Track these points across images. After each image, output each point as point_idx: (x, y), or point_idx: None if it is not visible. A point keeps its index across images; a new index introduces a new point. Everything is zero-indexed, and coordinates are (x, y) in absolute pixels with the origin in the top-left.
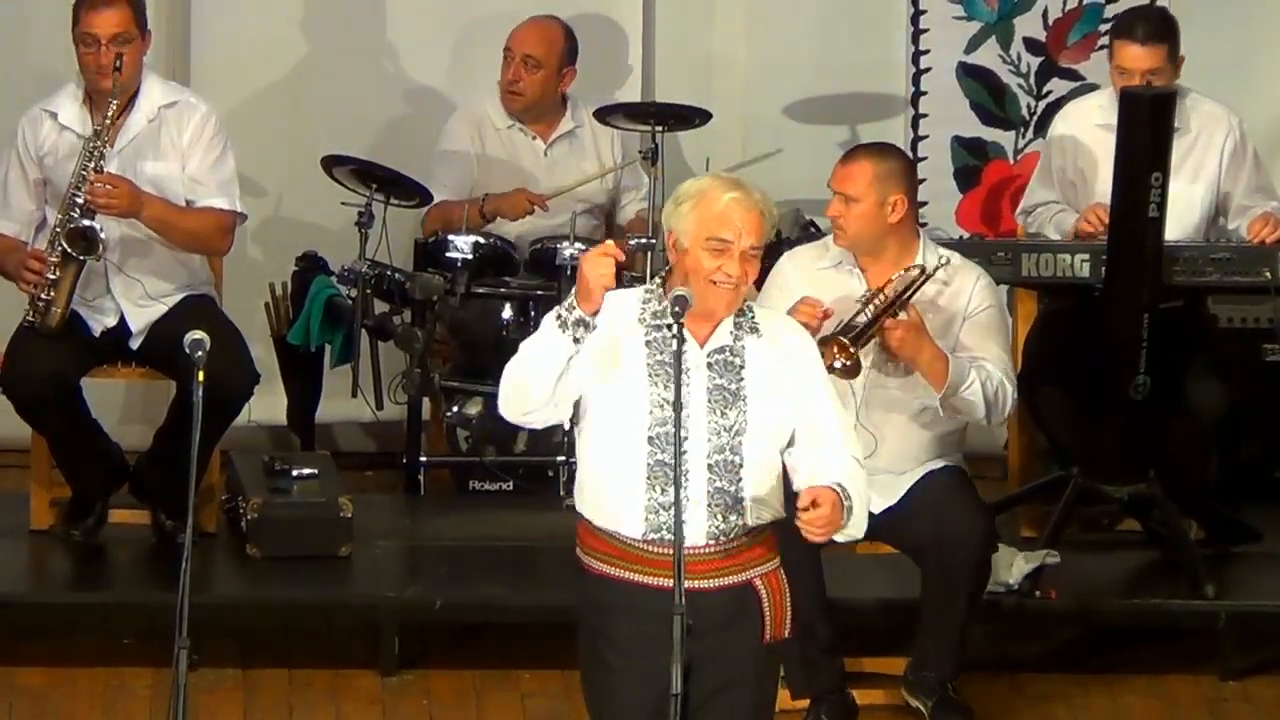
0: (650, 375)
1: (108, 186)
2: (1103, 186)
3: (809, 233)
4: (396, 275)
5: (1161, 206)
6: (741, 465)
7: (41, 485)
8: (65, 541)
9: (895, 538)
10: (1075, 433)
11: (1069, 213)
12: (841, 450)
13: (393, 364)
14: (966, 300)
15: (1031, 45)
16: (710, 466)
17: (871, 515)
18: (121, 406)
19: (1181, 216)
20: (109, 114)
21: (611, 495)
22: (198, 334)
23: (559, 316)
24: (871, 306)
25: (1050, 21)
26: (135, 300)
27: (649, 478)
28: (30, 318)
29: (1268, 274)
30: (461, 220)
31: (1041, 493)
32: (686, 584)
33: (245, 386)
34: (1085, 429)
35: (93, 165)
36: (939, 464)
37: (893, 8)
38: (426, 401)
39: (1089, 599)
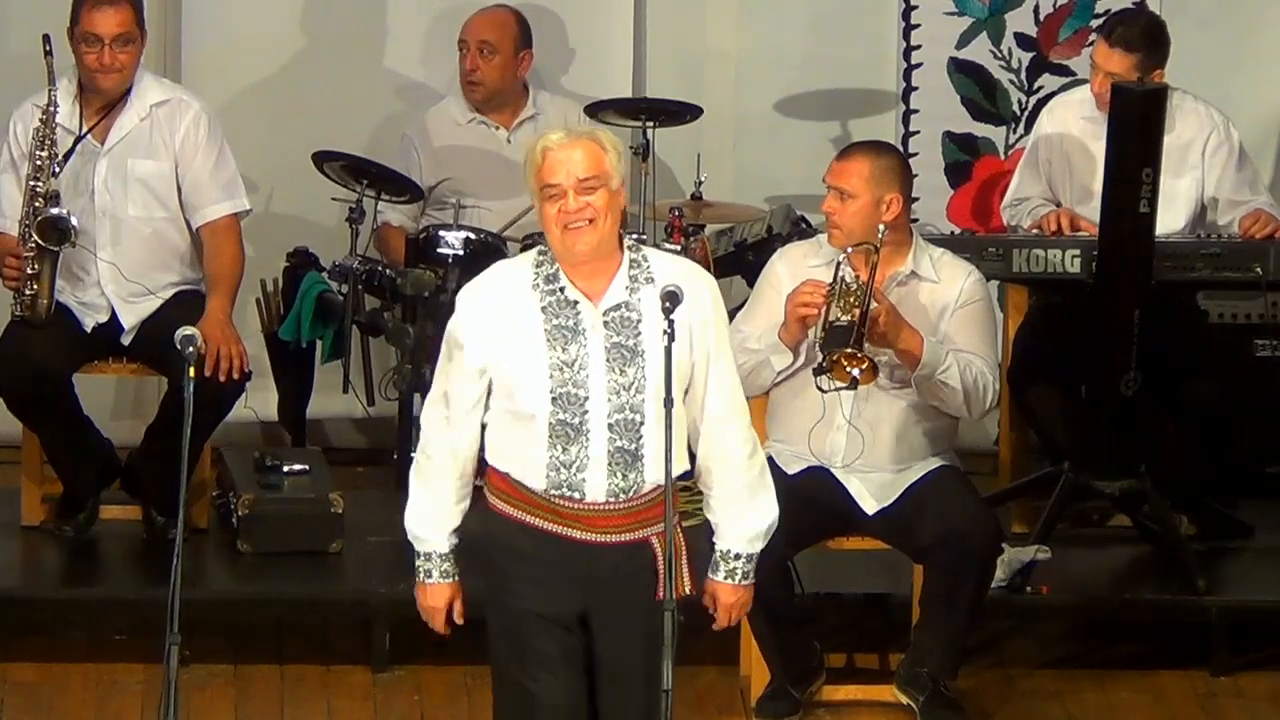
0: (549, 340)
1: (224, 360)
2: (1087, 179)
3: (800, 229)
4: (388, 271)
5: (1152, 202)
6: (642, 423)
7: (33, 481)
8: (57, 537)
9: (896, 539)
10: (1066, 428)
11: (1047, 207)
12: (735, 442)
13: (384, 360)
14: (956, 295)
15: (1023, 41)
16: (610, 426)
17: (864, 514)
18: (112, 402)
19: (1168, 213)
20: (49, 103)
21: (515, 451)
22: (189, 329)
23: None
24: (844, 301)
25: (1041, 17)
26: (126, 296)
27: (551, 436)
28: (18, 311)
29: (1258, 270)
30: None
31: (1033, 488)
32: (582, 537)
33: (236, 383)
34: (1076, 424)
35: (46, 154)
36: (935, 463)
37: (884, 3)
38: (417, 397)
39: (1080, 594)
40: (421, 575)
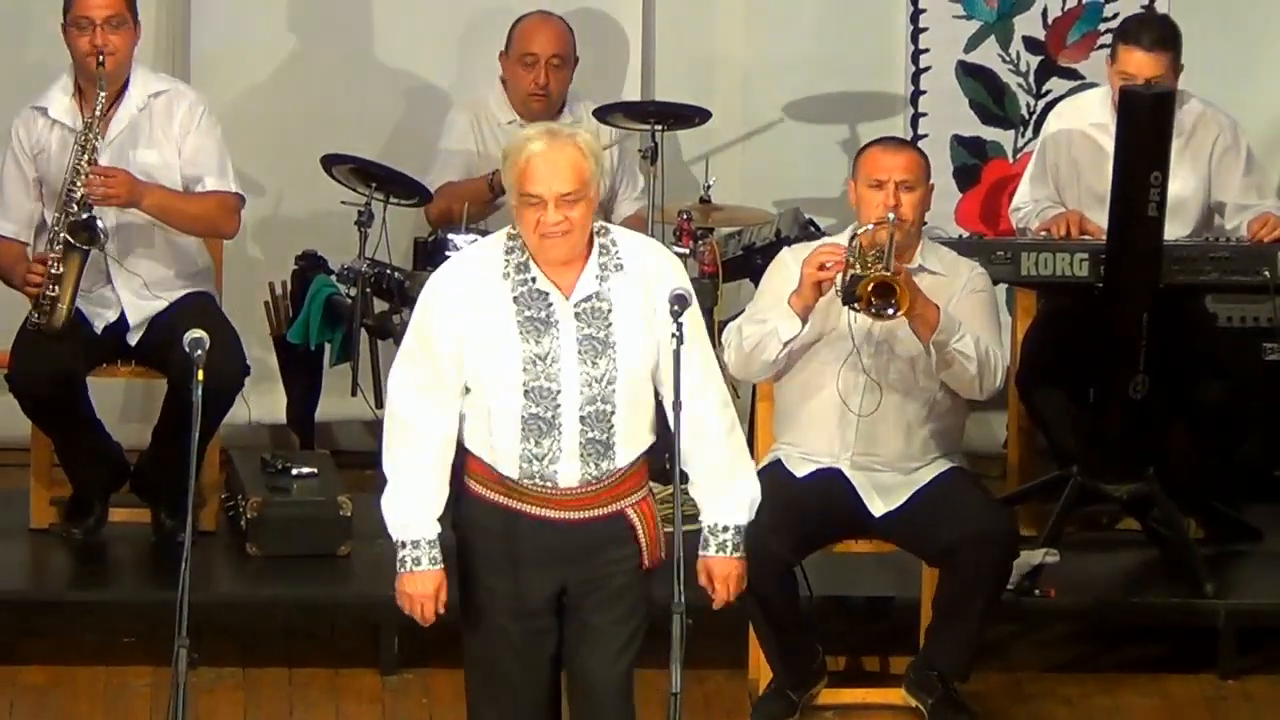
0: (521, 332)
1: (104, 178)
2: (1095, 184)
3: (808, 232)
4: (396, 274)
5: (1161, 206)
6: (614, 413)
7: (42, 483)
8: (65, 540)
9: (909, 541)
10: (1074, 431)
11: (1057, 209)
12: (712, 417)
13: (392, 362)
14: (962, 284)
15: (1031, 44)
16: (583, 418)
17: (872, 517)
18: (120, 405)
19: (1176, 216)
20: (98, 104)
21: (488, 441)
22: (197, 333)
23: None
24: (862, 261)
25: (1050, 21)
26: (135, 292)
27: (524, 430)
28: (36, 319)
29: (1267, 273)
30: (467, 195)
31: (1041, 491)
32: (557, 516)
33: (236, 379)
34: (1085, 428)
35: (86, 158)
36: (945, 465)
37: (892, 7)
38: None
39: (1088, 597)
40: (409, 564)
